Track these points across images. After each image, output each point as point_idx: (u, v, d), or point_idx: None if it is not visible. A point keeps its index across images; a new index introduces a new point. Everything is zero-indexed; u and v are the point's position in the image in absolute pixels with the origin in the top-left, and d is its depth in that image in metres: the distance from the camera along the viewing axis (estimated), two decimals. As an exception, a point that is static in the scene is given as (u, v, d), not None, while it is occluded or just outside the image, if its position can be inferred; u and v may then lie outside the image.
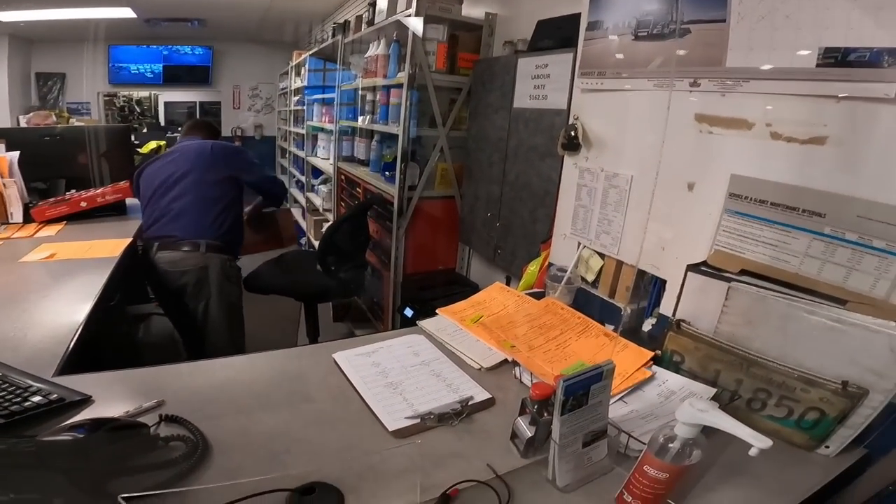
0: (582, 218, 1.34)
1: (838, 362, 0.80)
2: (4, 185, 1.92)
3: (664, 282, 1.13)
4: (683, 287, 1.04)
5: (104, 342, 1.35)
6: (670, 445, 0.65)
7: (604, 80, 1.25)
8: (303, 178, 4.90)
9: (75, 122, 5.42)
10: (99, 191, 2.13)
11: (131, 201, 2.19)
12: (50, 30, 5.21)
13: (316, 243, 4.00)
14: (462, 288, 2.46)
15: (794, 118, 0.89)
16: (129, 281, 1.83)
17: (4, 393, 0.81)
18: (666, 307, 1.11)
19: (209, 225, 1.97)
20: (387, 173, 2.59)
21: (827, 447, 0.82)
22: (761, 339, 0.89)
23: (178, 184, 1.95)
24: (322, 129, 4.17)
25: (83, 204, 2.04)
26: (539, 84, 1.78)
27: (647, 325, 1.17)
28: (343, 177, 3.34)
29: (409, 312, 2.30)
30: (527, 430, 0.76)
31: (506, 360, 1.04)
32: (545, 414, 0.74)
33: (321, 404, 0.89)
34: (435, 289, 2.44)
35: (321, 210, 4.07)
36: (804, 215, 0.88)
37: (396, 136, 2.37)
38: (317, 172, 4.37)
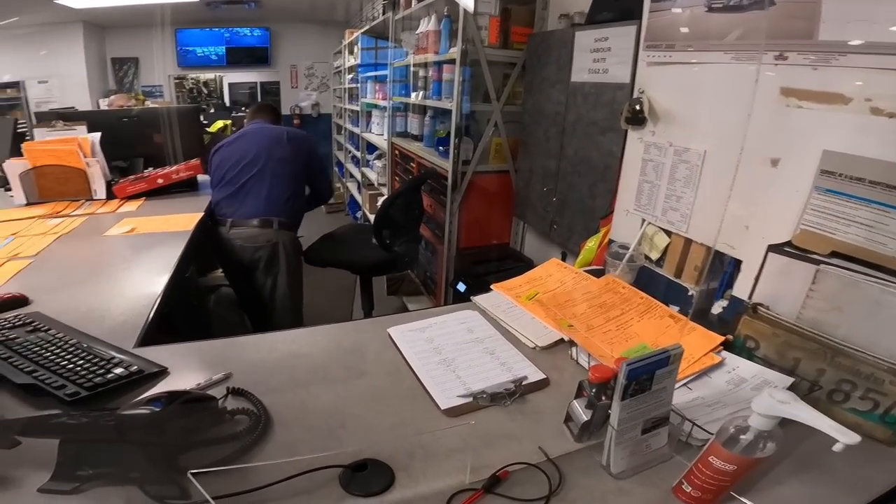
0: (647, 193, 1.28)
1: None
2: (88, 164, 2.08)
3: (738, 262, 1.06)
4: (763, 268, 0.97)
5: (178, 313, 1.46)
6: (742, 437, 0.61)
7: (672, 52, 1.19)
8: (358, 154, 4.99)
9: (150, 104, 5.79)
10: (173, 168, 2.28)
11: (201, 178, 2.35)
12: (121, 16, 5.53)
13: (371, 217, 4.09)
14: (516, 263, 2.43)
15: (897, 93, 0.79)
16: (199, 254, 1.96)
17: (90, 365, 0.87)
18: (740, 289, 1.04)
19: (281, 204, 2.10)
20: (440, 148, 2.58)
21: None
22: (850, 326, 0.81)
23: (253, 165, 2.07)
24: (376, 106, 4.22)
25: (160, 181, 2.20)
26: (599, 58, 1.71)
27: (718, 308, 1.09)
28: (397, 152, 3.37)
29: (461, 287, 2.31)
30: (582, 414, 0.73)
31: (562, 340, 1.02)
32: (603, 398, 0.71)
33: (376, 380, 0.91)
34: (488, 263, 2.43)
35: (376, 184, 4.14)
36: (906, 195, 0.78)
37: (449, 111, 2.34)
38: (371, 148, 4.44)
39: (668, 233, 1.23)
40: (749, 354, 0.91)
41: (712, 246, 1.11)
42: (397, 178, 3.43)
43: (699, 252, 1.16)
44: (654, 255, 1.27)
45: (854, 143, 0.86)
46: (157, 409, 0.69)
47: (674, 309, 1.09)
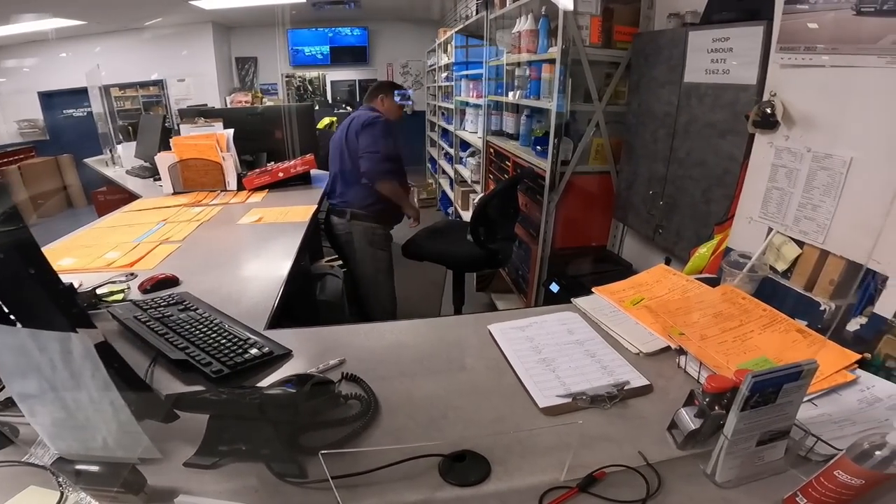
0: (776, 201, 1.20)
1: None
2: (224, 157, 2.38)
3: (885, 278, 0.95)
4: None
5: (295, 298, 1.64)
6: (877, 452, 0.57)
7: (812, 55, 1.11)
8: (451, 151, 5.11)
9: (268, 101, 6.38)
10: (292, 162, 2.54)
11: (314, 172, 2.59)
12: (243, 16, 6.13)
13: (462, 213, 4.18)
14: (613, 266, 2.37)
15: None
16: (310, 243, 2.17)
17: (231, 345, 0.98)
18: (883, 307, 0.94)
19: (353, 195, 2.27)
20: (538, 147, 2.59)
21: None
22: None
23: (334, 154, 2.31)
24: (469, 104, 4.29)
25: (280, 174, 2.47)
26: (718, 58, 1.64)
27: (855, 325, 0.99)
28: (492, 150, 3.41)
29: (555, 288, 2.30)
30: (690, 422, 0.72)
31: (668, 348, 0.99)
32: (716, 408, 0.70)
33: (476, 374, 0.96)
34: (584, 265, 2.39)
35: (469, 182, 4.21)
36: None
37: (546, 110, 2.35)
38: (464, 145, 4.52)
39: (801, 244, 1.14)
40: (888, 374, 0.85)
41: (861, 262, 1.01)
42: (491, 176, 3.47)
43: (836, 265, 1.06)
44: (781, 267, 1.17)
45: None
46: (292, 391, 0.79)
47: (802, 324, 1.02)
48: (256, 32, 7.00)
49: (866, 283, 1.00)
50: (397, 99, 2.36)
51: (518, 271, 2.93)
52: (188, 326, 1.06)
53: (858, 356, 0.87)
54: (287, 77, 7.76)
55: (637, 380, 0.89)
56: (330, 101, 7.95)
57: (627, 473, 0.70)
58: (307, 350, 1.04)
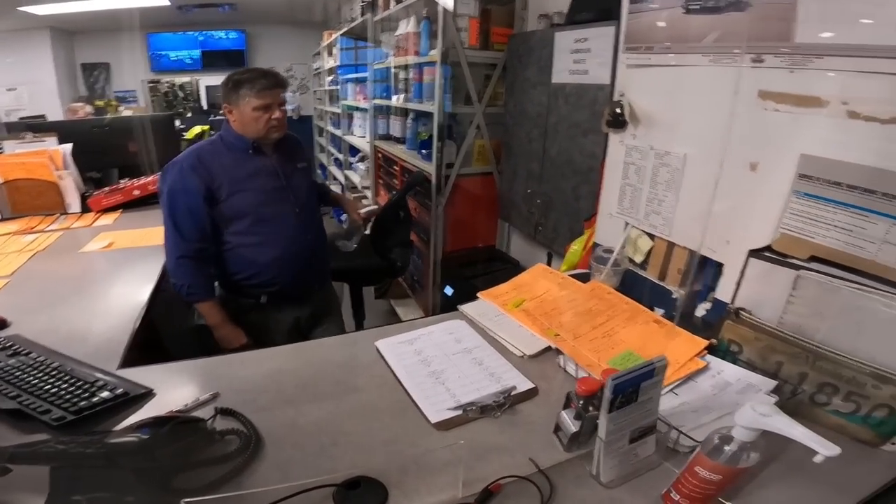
0: (630, 197, 1.29)
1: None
2: (60, 176, 2.03)
3: (721, 265, 1.07)
4: (744, 273, 0.99)
5: (162, 327, 1.44)
6: (726, 447, 0.63)
7: (651, 55, 1.19)
8: (340, 157, 4.96)
9: (124, 110, 5.65)
10: (150, 178, 2.23)
11: None
12: (89, 21, 5.40)
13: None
14: (503, 265, 2.43)
15: (875, 96, 0.80)
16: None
17: (74, 388, 0.86)
18: (722, 292, 1.06)
19: None
20: (423, 151, 2.57)
21: (894, 444, 0.77)
22: (831, 331, 0.84)
23: None
24: (357, 108, 4.19)
25: (136, 192, 2.15)
26: (579, 59, 1.71)
27: (701, 311, 1.11)
28: (380, 155, 3.35)
29: (448, 291, 2.31)
30: (571, 425, 0.74)
31: (549, 348, 1.03)
32: (591, 409, 0.73)
33: (366, 394, 0.91)
34: (475, 266, 2.42)
35: (360, 187, 4.11)
36: (884, 199, 0.80)
37: (431, 113, 2.33)
38: (354, 150, 4.41)
39: (652, 236, 1.24)
40: (733, 358, 0.93)
41: (696, 250, 1.11)
42: (381, 181, 3.41)
43: (682, 255, 1.17)
44: (638, 259, 1.27)
45: (832, 146, 0.86)
46: (145, 437, 0.68)
47: (659, 312, 1.11)
48: (107, 38, 6.15)
49: (706, 271, 1.12)
50: (254, 99, 1.36)
51: (413, 276, 2.91)
52: (18, 373, 0.91)
53: (707, 342, 0.95)
54: (151, 83, 6.97)
55: (523, 384, 0.91)
56: (205, 108, 7.31)
57: (522, 483, 0.70)
58: (174, 386, 0.93)
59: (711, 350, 0.95)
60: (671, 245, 1.19)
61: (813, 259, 0.89)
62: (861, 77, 0.82)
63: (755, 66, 0.96)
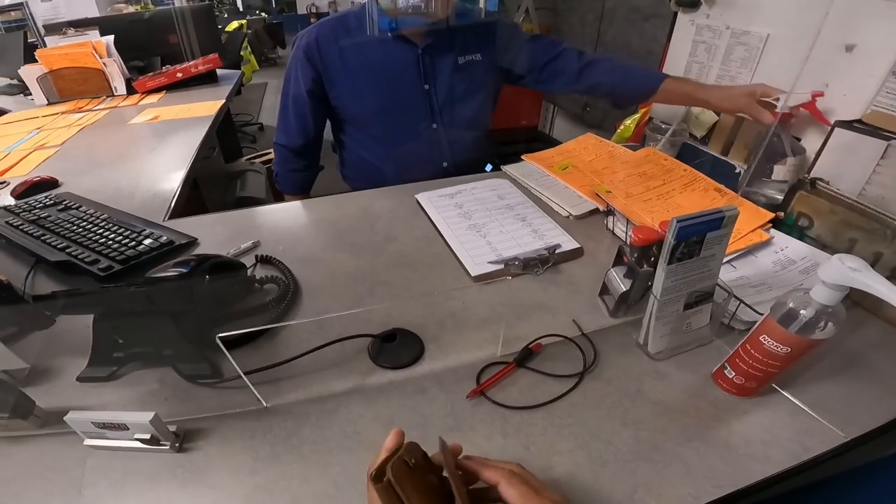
0: (696, 73, 1.17)
1: None
2: (105, 63, 1.99)
3: (798, 139, 0.93)
4: (826, 144, 0.86)
5: (210, 197, 1.42)
6: (802, 312, 0.51)
7: None
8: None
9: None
10: (192, 62, 2.16)
11: (221, 72, 2.23)
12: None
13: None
14: (544, 145, 2.33)
15: None
16: (225, 140, 1.88)
17: (121, 238, 0.84)
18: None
19: None
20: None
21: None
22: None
23: None
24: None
25: (179, 75, 2.09)
26: None
27: (768, 188, 0.97)
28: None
29: (488, 168, 2.24)
30: (621, 284, 0.66)
31: (597, 210, 0.93)
32: (644, 265, 0.64)
33: (404, 246, 0.86)
34: (516, 145, 2.31)
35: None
36: None
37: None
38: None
39: (717, 112, 1.10)
40: (800, 234, 0.82)
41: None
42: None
43: (750, 129, 1.03)
44: (699, 133, 1.15)
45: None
46: (185, 271, 0.64)
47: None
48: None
49: (782, 148, 0.97)
50: None
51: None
52: (69, 225, 0.90)
53: (772, 214, 0.84)
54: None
55: (568, 243, 0.82)
56: (240, 10, 6.95)
57: (564, 344, 0.64)
58: (217, 236, 0.89)
59: (776, 224, 0.84)
60: (740, 120, 1.05)
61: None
62: None
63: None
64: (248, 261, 0.79)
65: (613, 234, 0.87)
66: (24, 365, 0.61)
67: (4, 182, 1.16)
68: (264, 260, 0.79)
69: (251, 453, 0.52)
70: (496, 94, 1.22)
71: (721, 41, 1.09)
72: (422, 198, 0.97)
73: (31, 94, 2.00)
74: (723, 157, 1.08)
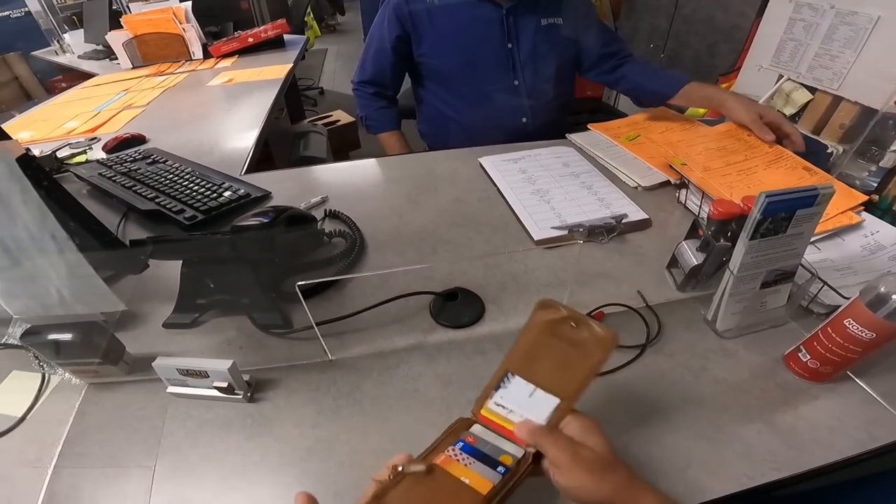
0: (790, 51, 1.08)
1: None
2: (184, 29, 2.10)
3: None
4: None
5: (275, 152, 1.49)
6: (893, 297, 0.47)
7: None
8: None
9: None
10: (262, 28, 2.25)
11: (288, 37, 2.30)
12: None
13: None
14: (607, 116, 2.25)
15: None
16: (290, 102, 1.95)
17: (204, 190, 0.90)
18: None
19: None
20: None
21: None
22: None
23: None
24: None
25: (250, 40, 2.20)
26: None
27: (863, 170, 0.89)
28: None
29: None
30: (693, 257, 0.63)
31: (668, 182, 0.89)
32: (721, 240, 0.61)
33: (467, 207, 0.86)
34: (579, 115, 2.25)
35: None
36: None
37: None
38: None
39: (812, 90, 1.02)
40: (894, 219, 0.75)
41: (879, 109, 0.88)
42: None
43: (850, 110, 0.95)
44: (789, 111, 1.05)
45: None
46: (266, 221, 0.68)
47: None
48: None
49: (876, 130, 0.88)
50: None
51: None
52: (157, 177, 0.96)
53: (865, 197, 0.78)
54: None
55: (636, 213, 0.79)
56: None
57: (626, 315, 0.62)
58: (288, 190, 0.93)
59: (868, 207, 0.78)
60: (837, 99, 0.97)
61: None
62: None
63: None
64: (318, 215, 0.82)
65: (685, 207, 0.84)
66: (122, 307, 0.64)
67: (96, 138, 1.26)
68: (333, 215, 0.82)
69: (315, 406, 0.53)
70: (576, 60, 1.22)
71: (823, 20, 1.00)
72: (485, 161, 0.96)
73: (116, 58, 2.15)
74: (814, 136, 1.00)
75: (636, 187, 0.89)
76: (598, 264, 0.71)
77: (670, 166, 0.89)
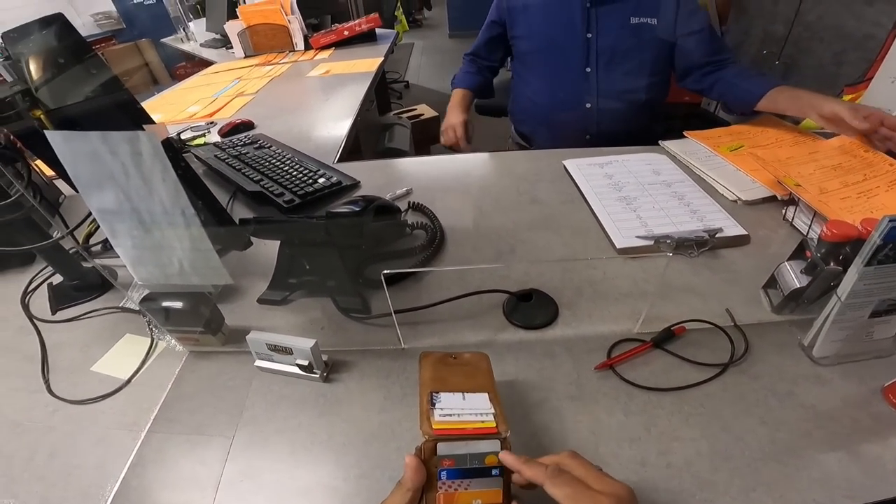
0: None
1: None
2: (290, 21, 2.26)
3: None
4: None
5: (363, 143, 1.58)
6: None
7: None
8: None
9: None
10: (356, 21, 2.37)
11: (380, 31, 2.41)
12: None
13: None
14: (704, 124, 2.09)
15: None
16: (378, 94, 2.05)
17: (301, 175, 0.97)
18: None
19: None
20: None
21: None
22: None
23: None
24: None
25: (346, 33, 2.32)
26: None
27: None
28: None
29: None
30: (795, 279, 0.58)
31: (774, 198, 0.82)
32: (831, 263, 0.56)
33: (549, 208, 0.85)
34: (673, 120, 2.12)
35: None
36: None
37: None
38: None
39: None
40: None
41: None
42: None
43: None
44: None
45: None
46: (357, 209, 0.72)
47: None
48: None
49: None
50: None
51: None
52: (263, 162, 1.05)
53: None
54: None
55: (732, 228, 0.74)
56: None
57: (710, 332, 0.59)
58: (374, 181, 0.98)
59: None
60: None
61: None
62: None
63: None
64: (402, 206, 0.85)
65: (792, 225, 0.77)
66: (230, 280, 0.67)
67: (213, 122, 1.40)
68: (416, 207, 0.85)
69: (383, 391, 0.55)
70: (669, 63, 1.19)
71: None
72: (569, 164, 0.94)
73: (231, 47, 2.36)
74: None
75: (735, 201, 0.83)
76: (684, 278, 0.68)
77: (779, 182, 0.81)
